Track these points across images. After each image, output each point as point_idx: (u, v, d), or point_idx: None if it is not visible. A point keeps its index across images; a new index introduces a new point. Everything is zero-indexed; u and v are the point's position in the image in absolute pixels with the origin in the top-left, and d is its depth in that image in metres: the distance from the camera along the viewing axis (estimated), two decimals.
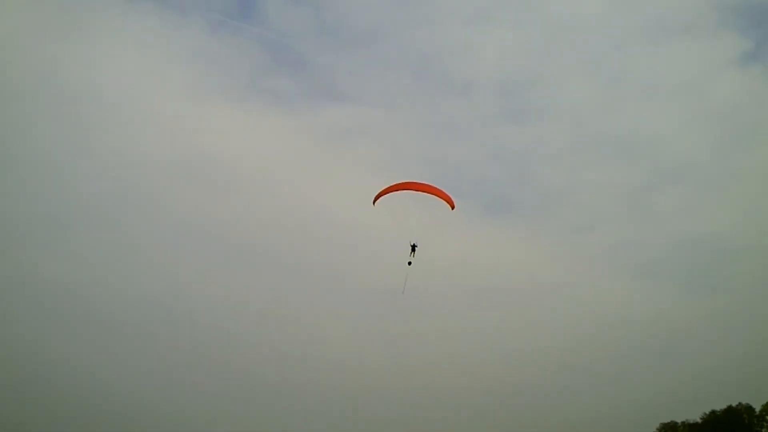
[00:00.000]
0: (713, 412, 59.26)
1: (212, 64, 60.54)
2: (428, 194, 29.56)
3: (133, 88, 55.23)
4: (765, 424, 55.10)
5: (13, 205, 45.52)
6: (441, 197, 29.44)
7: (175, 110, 55.43)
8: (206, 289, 46.12)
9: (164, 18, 59.05)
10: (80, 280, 44.34)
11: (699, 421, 60.13)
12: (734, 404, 58.73)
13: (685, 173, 56.47)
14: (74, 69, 52.69)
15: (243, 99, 59.84)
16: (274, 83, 62.41)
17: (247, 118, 57.72)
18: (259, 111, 59.31)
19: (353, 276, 49.52)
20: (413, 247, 29.68)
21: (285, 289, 47.71)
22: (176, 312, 44.88)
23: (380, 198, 29.30)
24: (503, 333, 47.63)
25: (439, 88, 63.98)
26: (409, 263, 29.80)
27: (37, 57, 50.80)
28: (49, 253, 44.57)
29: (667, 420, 61.51)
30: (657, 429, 62.74)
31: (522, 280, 50.70)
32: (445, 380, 45.14)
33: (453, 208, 29.64)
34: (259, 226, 50.63)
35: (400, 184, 29.41)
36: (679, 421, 61.12)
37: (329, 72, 63.81)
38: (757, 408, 58.03)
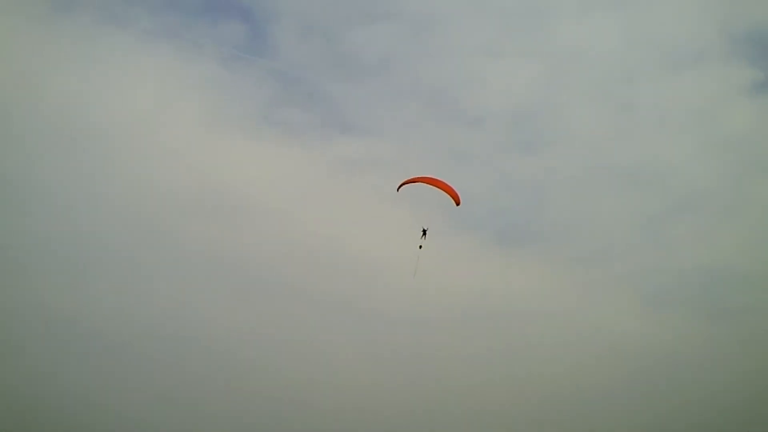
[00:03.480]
0: None
1: (225, 97, 61.40)
2: (438, 189, 32.88)
3: (146, 120, 55.97)
4: None
5: (21, 239, 45.92)
6: (449, 193, 32.73)
7: (188, 142, 56.05)
8: (218, 318, 46.27)
9: (178, 52, 59.97)
10: (89, 311, 44.60)
11: None
12: None
13: (698, 202, 56.76)
14: (88, 103, 53.53)
15: (256, 131, 60.52)
16: (286, 115, 63.20)
17: (260, 150, 58.31)
18: (271, 142, 59.93)
19: (365, 304, 49.49)
20: (424, 232, 33.03)
21: (297, 318, 47.76)
22: (187, 342, 45.01)
23: (403, 187, 32.99)
24: (514, 360, 47.31)
25: (450, 119, 64.57)
26: (420, 247, 32.96)
27: (51, 91, 51.74)
28: (58, 284, 44.83)
29: None
30: None
31: (532, 307, 50.51)
32: (455, 406, 45.10)
33: (458, 204, 32.78)
34: (272, 257, 50.73)
35: (418, 178, 33.04)
36: None
37: (341, 103, 64.54)
38: None
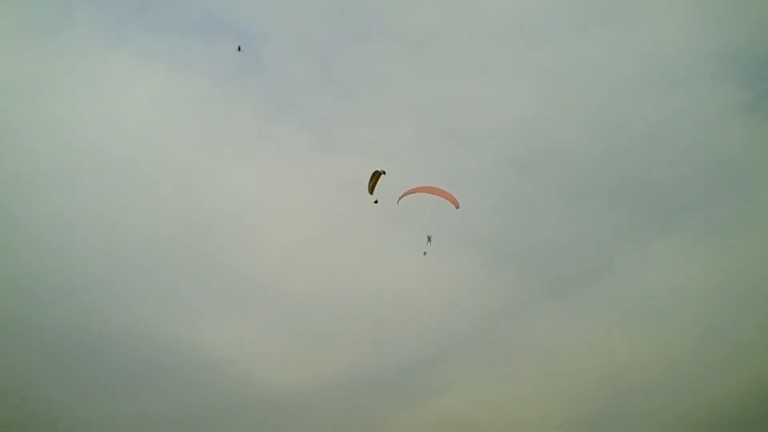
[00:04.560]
0: None
1: (220, 117, 61.65)
2: (437, 196, 34.30)
3: (141, 142, 56.14)
4: None
5: (15, 260, 45.91)
6: (448, 199, 34.15)
7: (183, 162, 56.17)
8: (218, 339, 46.22)
9: (171, 72, 60.25)
10: (86, 326, 44.61)
11: None
12: None
13: (686, 219, 57.31)
14: (82, 123, 53.68)
15: (250, 150, 60.74)
16: (280, 134, 63.45)
17: (255, 169, 58.48)
18: (266, 161, 60.15)
19: (365, 319, 49.58)
20: (429, 238, 35.35)
21: (299, 334, 47.77)
22: (190, 363, 44.94)
23: (403, 198, 34.38)
24: (502, 380, 47.36)
25: (445, 139, 64.96)
26: (425, 253, 35.40)
27: (42, 114, 51.80)
28: (50, 300, 44.85)
29: None
30: None
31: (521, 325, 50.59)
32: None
33: (458, 208, 34.25)
34: (270, 272, 50.79)
35: (417, 188, 34.46)
36: None
37: (335, 123, 64.84)
38: None
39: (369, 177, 35.00)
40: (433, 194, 34.35)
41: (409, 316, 48.73)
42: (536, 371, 47.72)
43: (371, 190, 35.27)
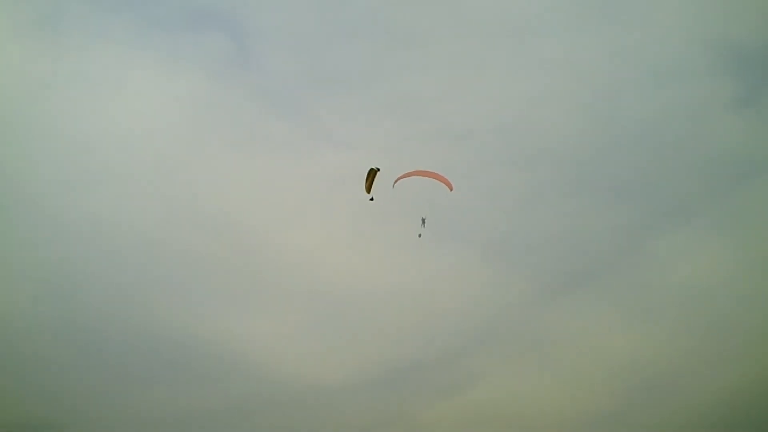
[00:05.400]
0: None
1: (211, 113, 61.12)
2: (431, 178, 34.51)
3: (132, 138, 55.66)
4: None
5: (9, 250, 45.60)
6: (443, 181, 34.35)
7: (174, 157, 55.73)
8: (246, 337, 46.16)
9: (161, 68, 59.67)
10: (116, 324, 44.96)
11: None
12: None
13: (682, 217, 57.22)
14: (73, 118, 53.16)
15: (242, 145, 60.26)
16: (271, 129, 62.90)
17: (247, 164, 58.06)
18: (258, 157, 59.69)
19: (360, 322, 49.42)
20: (423, 221, 35.38)
21: (326, 329, 47.70)
22: (193, 349, 44.97)
23: (398, 181, 34.54)
24: (499, 377, 47.19)
25: (435, 134, 64.51)
26: (420, 235, 35.41)
27: (34, 107, 51.29)
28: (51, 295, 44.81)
29: None
30: None
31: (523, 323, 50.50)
32: None
33: (452, 190, 34.50)
34: (296, 269, 50.62)
35: (412, 172, 34.59)
36: None
37: (327, 118, 64.37)
38: None
39: (365, 175, 35.03)
40: (427, 177, 34.53)
41: (433, 310, 48.98)
42: (565, 362, 47.87)
43: (368, 189, 35.28)
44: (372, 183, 35.00)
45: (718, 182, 57.68)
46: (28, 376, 42.98)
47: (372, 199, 35.63)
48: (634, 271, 53.86)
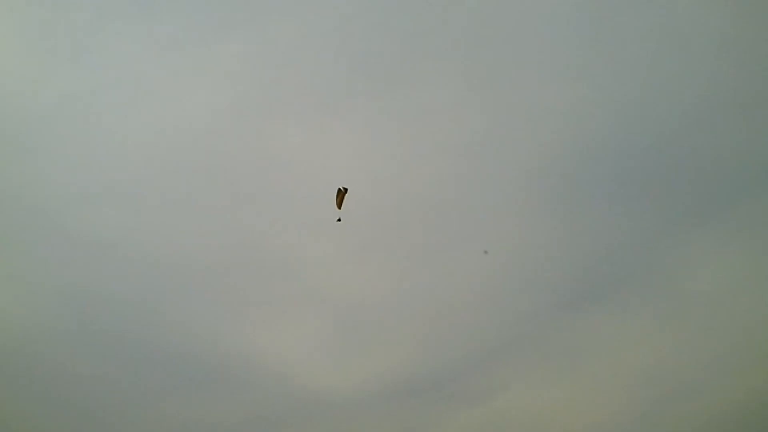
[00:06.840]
0: None
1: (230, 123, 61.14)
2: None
3: (158, 148, 56.00)
4: None
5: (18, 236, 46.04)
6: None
7: (191, 168, 55.94)
8: (275, 348, 46.41)
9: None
10: (157, 338, 45.28)
11: None
12: None
13: (703, 224, 56.97)
14: (90, 94, 53.38)
15: (258, 156, 60.35)
16: (288, 141, 62.76)
17: (262, 176, 58.09)
18: (273, 168, 59.67)
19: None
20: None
21: (352, 339, 47.94)
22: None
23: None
24: (514, 388, 46.81)
25: (453, 144, 64.03)
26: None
27: (53, 123, 51.68)
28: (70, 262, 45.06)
29: None
30: None
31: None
32: None
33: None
34: (319, 279, 50.83)
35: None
36: None
37: (339, 128, 63.96)
38: None
39: (335, 195, 34.72)
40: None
41: (454, 321, 48.70)
42: (586, 371, 47.47)
43: (339, 206, 34.86)
44: (342, 202, 34.68)
45: (738, 188, 57.09)
46: (48, 389, 43.09)
47: (339, 220, 35.01)
48: (656, 280, 53.35)
